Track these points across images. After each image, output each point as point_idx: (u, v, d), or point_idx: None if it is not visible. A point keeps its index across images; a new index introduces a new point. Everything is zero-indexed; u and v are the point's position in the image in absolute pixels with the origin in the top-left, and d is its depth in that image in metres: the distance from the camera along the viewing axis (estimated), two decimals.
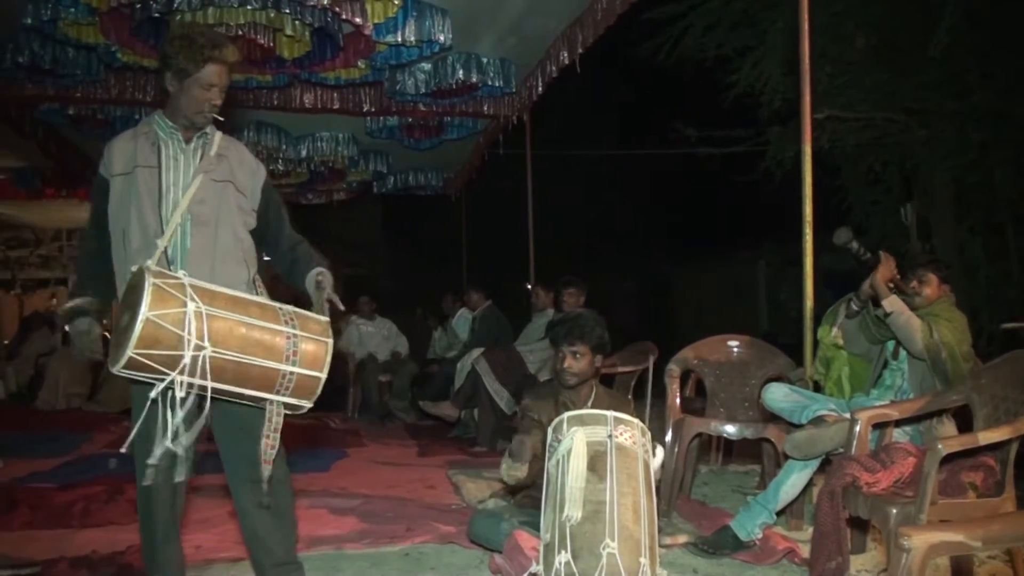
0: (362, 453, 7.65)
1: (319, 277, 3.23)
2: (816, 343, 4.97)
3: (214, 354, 2.67)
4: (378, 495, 5.74)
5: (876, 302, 4.33)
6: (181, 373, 2.65)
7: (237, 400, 2.89)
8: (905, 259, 4.57)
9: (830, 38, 10.19)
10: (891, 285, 4.36)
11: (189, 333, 2.62)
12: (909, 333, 4.14)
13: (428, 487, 6.06)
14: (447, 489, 5.99)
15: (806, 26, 5.20)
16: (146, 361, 2.62)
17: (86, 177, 11.20)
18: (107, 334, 3.09)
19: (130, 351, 2.58)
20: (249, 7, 6.00)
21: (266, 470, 2.98)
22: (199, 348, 2.64)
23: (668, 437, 5.14)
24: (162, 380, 2.70)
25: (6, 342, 12.00)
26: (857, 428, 3.81)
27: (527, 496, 4.15)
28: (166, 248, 3.03)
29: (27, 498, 5.35)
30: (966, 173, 10.95)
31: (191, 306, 2.64)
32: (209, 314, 2.68)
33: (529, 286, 9.38)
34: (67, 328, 3.20)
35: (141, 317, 2.56)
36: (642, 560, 2.96)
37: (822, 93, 9.63)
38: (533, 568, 3.26)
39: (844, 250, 4.50)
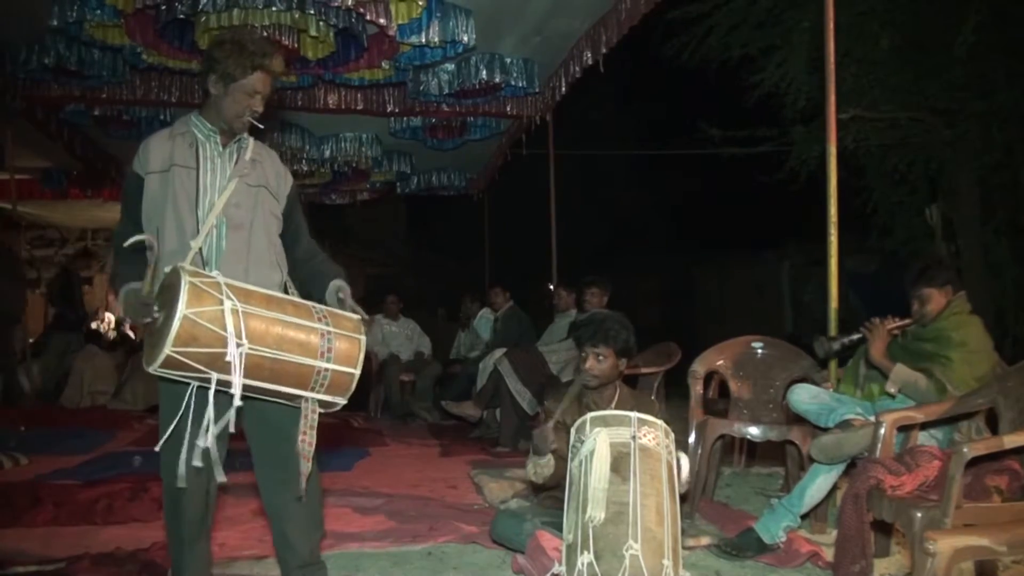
0: (384, 452, 7.67)
1: (340, 294, 3.24)
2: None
3: (251, 351, 2.69)
4: (401, 494, 5.75)
5: None
6: (219, 371, 2.67)
7: (271, 399, 2.91)
8: (914, 266, 4.54)
9: (855, 37, 10.13)
10: (896, 333, 4.37)
11: (227, 331, 2.64)
12: (923, 397, 4.13)
13: (450, 487, 6.07)
14: (469, 489, 5.99)
15: (831, 25, 5.18)
16: (183, 359, 2.64)
17: (111, 177, 11.30)
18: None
19: (168, 349, 2.59)
20: (274, 8, 6.03)
21: (304, 466, 2.99)
22: (236, 345, 2.66)
23: (691, 439, 5.13)
24: (198, 378, 2.72)
25: (32, 340, 12.07)
26: (882, 431, 3.78)
27: (550, 496, 4.15)
28: (201, 249, 3.04)
29: (51, 495, 5.38)
30: (992, 174, 10.85)
31: (227, 304, 2.66)
32: (245, 312, 2.69)
33: (551, 286, 9.37)
34: (117, 303, 3.17)
35: (178, 315, 2.58)
36: (665, 562, 2.96)
37: (847, 93, 9.58)
38: (555, 569, 3.26)
39: (836, 353, 4.53)
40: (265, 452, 3.21)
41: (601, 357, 3.99)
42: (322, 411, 2.98)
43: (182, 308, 2.58)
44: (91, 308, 15.00)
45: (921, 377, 4.15)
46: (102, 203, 12.93)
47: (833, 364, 5.06)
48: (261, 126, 3.24)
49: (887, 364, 4.26)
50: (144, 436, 8.02)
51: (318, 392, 2.89)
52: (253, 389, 2.78)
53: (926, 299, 4.34)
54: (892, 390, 4.20)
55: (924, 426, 4.02)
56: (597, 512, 3.02)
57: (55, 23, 6.12)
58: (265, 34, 6.23)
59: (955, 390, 4.04)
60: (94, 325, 13.91)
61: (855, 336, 4.48)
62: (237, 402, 2.74)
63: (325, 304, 3.16)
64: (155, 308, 2.86)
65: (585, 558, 2.97)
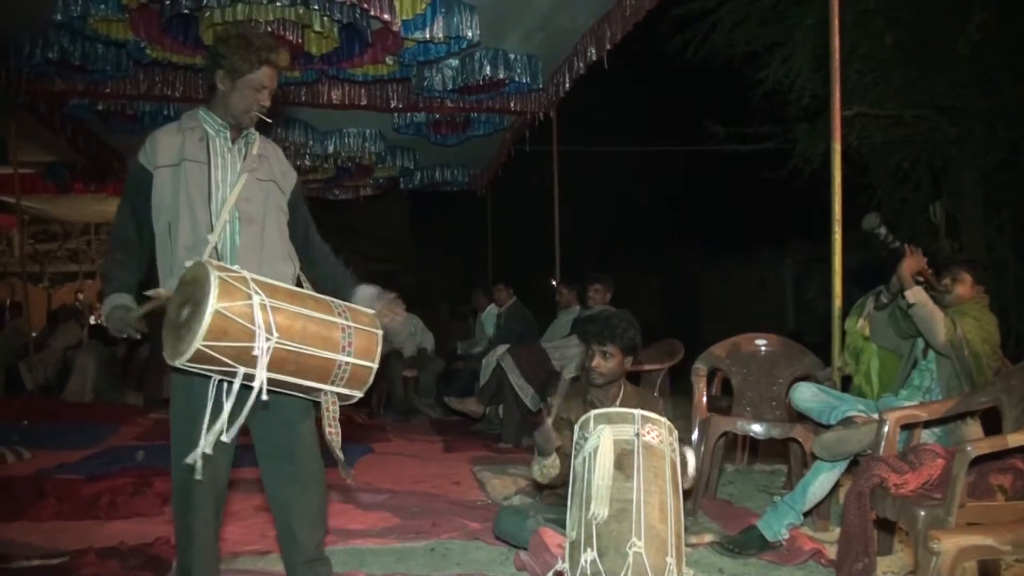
0: (387, 448, 7.66)
1: (378, 293, 3.31)
2: (844, 337, 4.95)
3: (278, 345, 2.71)
4: (404, 490, 5.76)
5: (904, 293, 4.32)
6: (246, 365, 2.69)
7: (283, 391, 2.92)
8: (935, 258, 4.55)
9: (860, 34, 10.10)
10: (920, 279, 4.35)
11: (257, 325, 2.65)
12: (931, 325, 4.15)
13: (453, 483, 6.08)
14: (472, 485, 6.00)
15: (836, 22, 5.17)
16: (213, 353, 2.65)
17: (115, 171, 11.30)
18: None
19: (199, 343, 2.60)
20: (278, 4, 6.02)
21: (339, 455, 3.02)
22: (266, 340, 2.67)
23: (694, 436, 5.13)
24: (222, 372, 2.74)
25: (34, 335, 12.09)
26: (885, 429, 3.78)
27: (553, 493, 4.16)
28: (216, 244, 3.05)
29: (55, 489, 5.39)
30: (996, 171, 10.84)
31: (256, 299, 2.67)
32: (272, 306, 2.71)
33: (554, 283, 9.37)
34: (102, 306, 3.20)
35: (210, 310, 2.58)
36: (668, 559, 2.96)
37: (851, 90, 9.55)
38: (559, 566, 3.26)
39: (872, 236, 4.48)
40: (272, 446, 3.21)
41: (608, 355, 3.99)
42: (340, 404, 3.00)
43: (213, 302, 2.59)
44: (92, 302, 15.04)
45: (937, 309, 4.18)
46: (105, 198, 12.93)
47: (835, 362, 5.05)
48: (269, 120, 3.25)
49: (910, 282, 4.27)
50: (147, 431, 8.03)
51: (338, 385, 2.92)
52: (276, 383, 2.79)
53: (959, 280, 4.38)
54: (909, 299, 4.22)
55: (926, 424, 4.02)
56: (601, 509, 3.02)
57: (59, 17, 6.11)
58: (269, 29, 6.24)
59: (963, 337, 4.09)
60: (94, 319, 13.93)
61: (896, 243, 4.46)
62: (264, 396, 2.76)
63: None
64: (137, 330, 3.00)
65: (588, 555, 2.97)
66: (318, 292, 3.30)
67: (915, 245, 4.41)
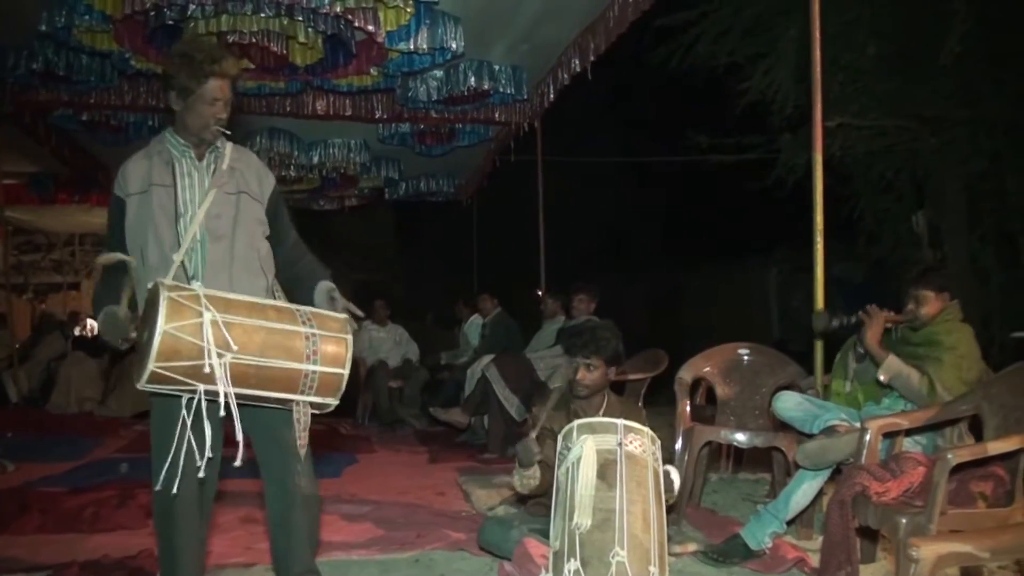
0: (372, 459, 7.67)
1: (332, 293, 3.24)
2: (826, 352, 4.97)
3: (235, 360, 2.70)
4: (389, 501, 5.76)
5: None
6: (205, 382, 2.68)
7: (264, 404, 2.92)
8: (917, 267, 4.56)
9: (842, 46, 10.14)
10: (890, 325, 4.37)
11: (208, 342, 2.65)
12: (912, 394, 4.15)
13: (438, 494, 6.07)
14: (457, 496, 6.00)
15: (817, 34, 5.20)
16: (168, 374, 2.65)
17: (99, 182, 11.29)
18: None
19: (151, 365, 2.61)
20: (263, 15, 6.03)
21: (298, 464, 3.07)
22: (219, 356, 2.67)
23: (678, 445, 5.14)
24: (187, 391, 2.73)
25: (18, 346, 12.03)
26: (867, 437, 3.80)
27: (537, 504, 4.16)
28: (184, 263, 3.04)
29: (38, 502, 5.38)
30: (978, 181, 10.89)
31: (207, 316, 2.67)
32: (226, 322, 2.70)
33: (540, 292, 9.38)
34: (96, 323, 3.20)
35: (159, 331, 2.59)
36: (652, 568, 2.96)
37: (833, 101, 9.59)
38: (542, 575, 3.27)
39: (829, 333, 4.54)
40: (264, 456, 3.22)
41: (592, 367, 4.01)
42: (315, 412, 3.00)
43: (162, 324, 2.60)
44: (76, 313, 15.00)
45: (914, 372, 4.13)
46: (89, 208, 12.92)
47: (818, 371, 5.08)
48: (228, 132, 3.23)
49: (880, 352, 4.23)
50: (131, 443, 8.01)
51: (307, 395, 2.90)
52: (243, 397, 2.79)
53: (923, 301, 4.32)
54: (883, 378, 4.20)
55: (908, 432, 4.03)
56: (584, 519, 3.02)
57: (44, 28, 6.11)
58: (254, 40, 6.26)
59: (944, 391, 4.04)
60: (78, 331, 13.89)
61: (852, 319, 4.46)
62: (222, 413, 2.75)
63: (314, 306, 3.16)
64: (132, 330, 2.94)
65: (572, 565, 2.97)
66: (290, 295, 3.30)
67: (898, 255, 4.43)
